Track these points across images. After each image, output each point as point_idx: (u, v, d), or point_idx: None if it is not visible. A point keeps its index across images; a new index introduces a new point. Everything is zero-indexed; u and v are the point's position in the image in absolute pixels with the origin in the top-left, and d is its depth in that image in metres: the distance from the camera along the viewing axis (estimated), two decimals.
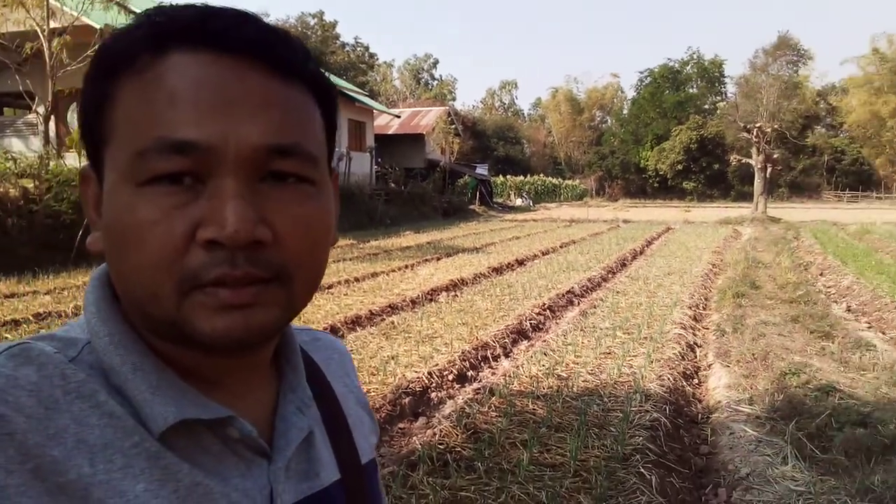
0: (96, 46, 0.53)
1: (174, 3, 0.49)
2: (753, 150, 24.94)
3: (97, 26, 13.01)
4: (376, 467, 0.67)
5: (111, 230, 0.47)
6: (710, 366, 5.27)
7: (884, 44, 54.74)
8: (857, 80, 55.39)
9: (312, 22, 57.64)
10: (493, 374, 5.07)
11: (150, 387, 0.47)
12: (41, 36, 11.58)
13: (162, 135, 0.44)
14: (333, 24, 58.59)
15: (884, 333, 6.17)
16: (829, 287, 8.73)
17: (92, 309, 0.50)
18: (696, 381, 5.02)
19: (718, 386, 4.69)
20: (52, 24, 11.77)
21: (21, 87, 12.26)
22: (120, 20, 12.51)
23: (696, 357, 5.56)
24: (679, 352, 5.36)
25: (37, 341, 0.48)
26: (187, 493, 0.46)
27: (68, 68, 11.43)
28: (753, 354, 4.89)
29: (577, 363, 4.95)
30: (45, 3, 11.41)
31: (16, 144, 14.98)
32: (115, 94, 0.47)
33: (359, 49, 62.45)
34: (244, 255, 0.45)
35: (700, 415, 4.26)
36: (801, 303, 7.01)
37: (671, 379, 4.65)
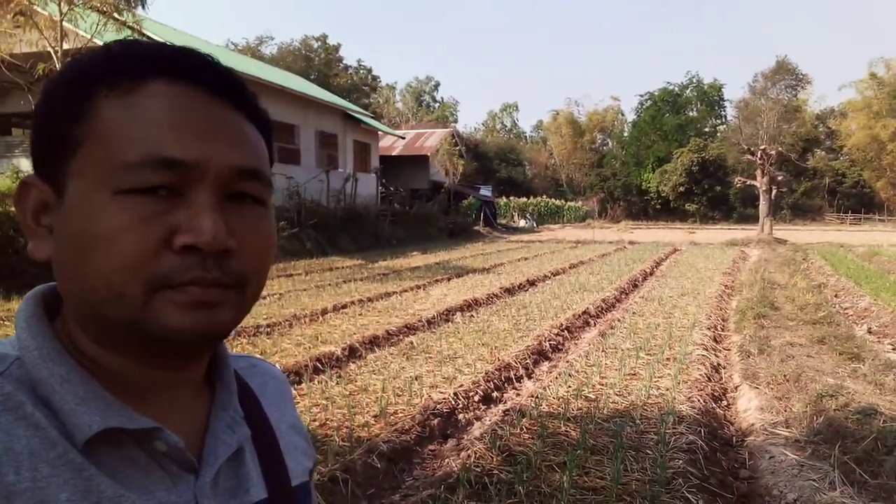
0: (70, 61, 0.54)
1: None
2: (758, 173, 25.00)
3: None
4: (309, 492, 0.68)
5: (76, 234, 0.50)
6: (737, 387, 5.18)
7: (881, 69, 55.29)
8: (855, 104, 55.80)
9: (316, 45, 58.28)
10: (518, 395, 4.97)
11: (76, 398, 0.49)
12: (54, 57, 11.63)
13: (152, 151, 0.49)
14: (337, 48, 59.24)
15: None
16: (846, 308, 8.65)
17: (23, 325, 0.53)
18: (724, 402, 4.92)
19: (749, 408, 4.59)
20: (65, 46, 11.83)
21: (32, 108, 12.29)
22: None
23: (721, 379, 5.46)
24: (705, 373, 5.27)
25: None
26: None
27: None
28: (784, 376, 4.80)
29: (604, 384, 4.87)
30: (59, 24, 11.49)
31: (24, 164, 14.99)
32: (92, 110, 0.50)
33: (362, 71, 63.05)
34: (214, 262, 0.50)
35: (734, 437, 4.16)
36: (824, 324, 6.92)
37: (701, 401, 4.56)
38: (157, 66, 0.52)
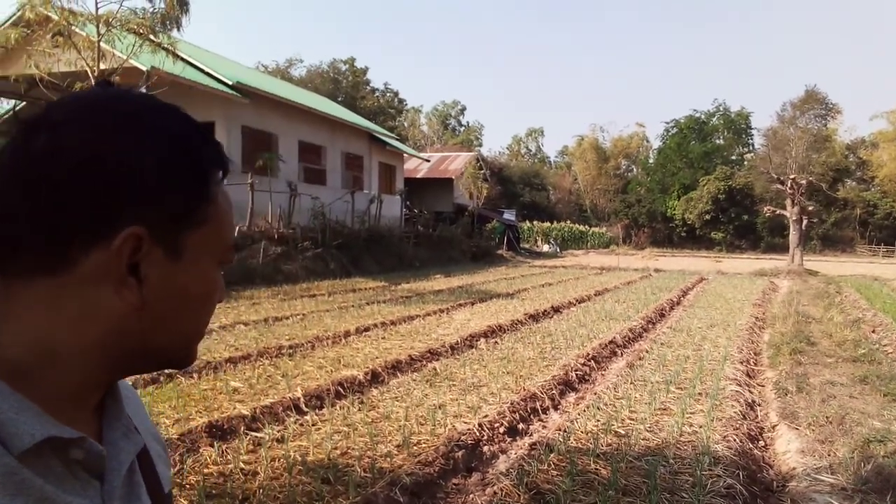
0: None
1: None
2: (788, 202, 24.56)
3: (144, 68, 13.40)
4: (172, 498, 0.71)
5: (189, 292, 0.59)
6: (774, 427, 4.96)
7: None
8: (886, 134, 54.77)
9: (344, 68, 59.26)
10: (545, 427, 4.81)
11: (13, 407, 0.50)
12: (91, 77, 11.90)
13: (234, 237, 0.66)
14: (364, 70, 60.18)
15: None
16: (885, 345, 8.31)
17: None
18: (761, 443, 4.70)
19: (789, 450, 4.37)
20: (102, 66, 12.11)
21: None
22: (167, 64, 12.87)
23: (757, 417, 5.24)
24: (740, 410, 5.05)
25: None
26: None
27: None
28: (827, 417, 4.57)
29: (634, 419, 4.69)
30: (97, 45, 11.77)
31: None
32: (212, 194, 0.59)
33: (388, 94, 63.82)
34: None
35: (775, 482, 3.95)
36: (865, 362, 6.64)
37: (737, 440, 4.35)
38: (220, 160, 0.62)
